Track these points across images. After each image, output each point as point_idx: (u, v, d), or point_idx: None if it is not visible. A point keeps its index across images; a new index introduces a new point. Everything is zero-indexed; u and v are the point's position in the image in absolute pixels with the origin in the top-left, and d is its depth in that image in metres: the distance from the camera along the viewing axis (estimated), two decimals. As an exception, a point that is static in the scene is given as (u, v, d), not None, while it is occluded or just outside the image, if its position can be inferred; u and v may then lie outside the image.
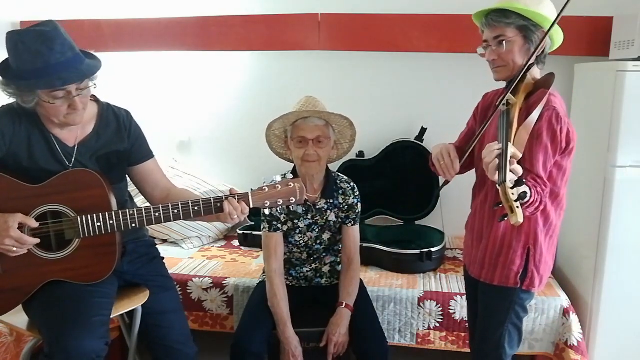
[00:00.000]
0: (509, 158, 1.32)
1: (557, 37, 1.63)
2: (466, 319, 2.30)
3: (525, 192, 1.31)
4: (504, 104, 1.54)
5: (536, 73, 1.64)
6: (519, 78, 1.57)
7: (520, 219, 1.27)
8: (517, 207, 1.27)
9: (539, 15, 1.55)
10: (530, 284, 1.66)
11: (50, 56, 1.53)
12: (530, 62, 1.59)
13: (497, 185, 1.30)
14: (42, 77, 1.54)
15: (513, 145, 1.40)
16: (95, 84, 1.67)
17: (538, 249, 1.64)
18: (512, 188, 1.28)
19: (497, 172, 1.32)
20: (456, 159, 1.64)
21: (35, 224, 1.61)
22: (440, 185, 1.75)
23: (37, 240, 1.61)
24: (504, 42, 1.58)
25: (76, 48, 1.62)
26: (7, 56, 1.62)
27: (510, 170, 1.32)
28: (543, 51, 1.62)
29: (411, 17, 2.82)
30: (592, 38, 2.66)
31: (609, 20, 2.58)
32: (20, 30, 1.59)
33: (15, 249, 1.57)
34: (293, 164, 2.17)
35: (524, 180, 1.33)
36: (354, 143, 2.19)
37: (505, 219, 1.30)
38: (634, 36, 2.30)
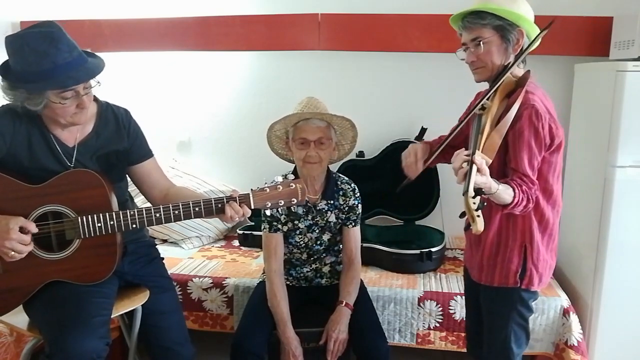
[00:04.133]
0: (474, 169, 1.34)
1: (533, 34, 1.62)
2: (465, 318, 2.31)
3: (483, 202, 1.34)
4: (479, 108, 1.56)
5: (518, 72, 1.65)
6: (499, 82, 1.58)
7: (481, 228, 1.33)
8: (478, 215, 1.32)
9: (514, 13, 1.56)
10: (529, 283, 1.67)
11: (58, 56, 1.53)
12: (510, 63, 1.60)
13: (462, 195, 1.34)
14: (51, 77, 1.54)
15: (483, 151, 1.42)
16: (99, 82, 1.67)
17: (535, 246, 1.65)
18: (473, 197, 1.31)
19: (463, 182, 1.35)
20: (421, 160, 1.71)
21: (35, 230, 1.60)
22: (402, 184, 1.78)
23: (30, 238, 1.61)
24: (481, 43, 1.60)
25: (78, 47, 1.62)
26: (6, 58, 1.61)
27: (479, 170, 1.34)
28: (521, 49, 1.62)
29: (411, 17, 2.82)
30: (592, 38, 2.66)
31: (609, 20, 2.58)
32: (21, 32, 1.58)
33: (12, 252, 1.56)
34: (293, 165, 2.17)
35: (483, 191, 1.36)
36: (355, 144, 2.19)
37: (470, 227, 1.34)
38: (634, 36, 2.30)
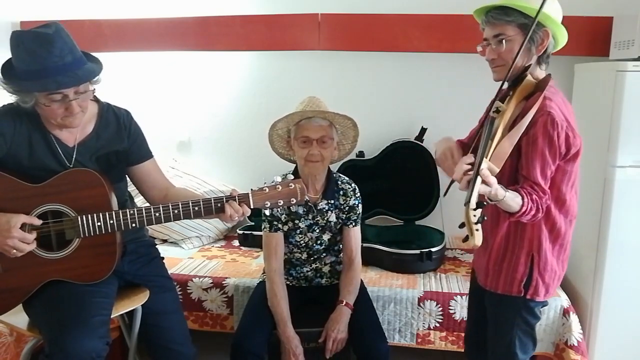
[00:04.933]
0: (479, 180, 1.30)
1: (561, 36, 1.57)
2: (466, 319, 2.30)
3: (483, 216, 1.29)
4: (494, 111, 1.50)
5: (539, 74, 1.60)
6: (503, 84, 1.53)
7: (478, 242, 1.28)
8: (477, 229, 1.27)
9: (542, 12, 1.47)
10: (535, 293, 1.62)
11: (47, 59, 1.53)
12: (531, 65, 1.56)
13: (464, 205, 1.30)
14: (37, 79, 1.54)
15: (491, 159, 1.37)
16: (94, 88, 1.67)
17: (542, 256, 1.60)
18: (474, 209, 1.27)
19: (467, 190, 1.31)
20: (460, 159, 1.56)
21: (38, 222, 1.61)
22: (448, 186, 1.70)
23: (34, 236, 1.61)
24: (504, 40, 1.53)
25: (77, 52, 1.61)
26: (8, 57, 1.62)
27: (483, 182, 1.30)
28: (545, 51, 1.56)
29: (411, 17, 2.82)
30: (592, 38, 2.66)
31: (609, 20, 2.59)
32: (24, 30, 1.59)
33: (14, 251, 1.57)
34: (294, 165, 2.17)
35: (484, 203, 1.31)
36: (356, 144, 2.19)
37: (468, 241, 1.31)
38: (634, 36, 2.30)
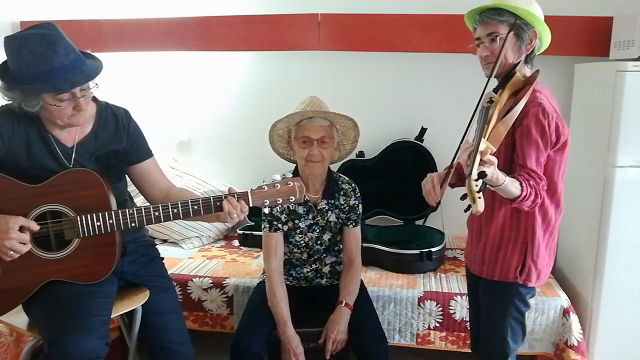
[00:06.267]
0: (478, 153, 1.36)
1: (545, 37, 1.67)
2: (466, 319, 2.31)
3: (485, 184, 1.37)
4: (487, 102, 1.59)
5: (526, 72, 1.68)
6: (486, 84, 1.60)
7: (481, 209, 1.35)
8: (479, 197, 1.34)
9: (531, 14, 1.60)
10: (527, 279, 1.69)
11: (55, 59, 1.53)
12: (520, 61, 1.65)
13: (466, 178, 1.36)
14: (47, 80, 1.53)
15: (488, 140, 1.44)
16: (97, 84, 1.67)
17: (536, 243, 1.67)
18: (476, 180, 1.33)
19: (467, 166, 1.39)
20: (438, 184, 1.63)
21: (36, 227, 1.60)
22: (426, 212, 1.78)
23: (29, 237, 1.61)
24: (497, 38, 1.62)
25: (77, 49, 1.61)
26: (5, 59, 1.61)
27: (482, 160, 1.36)
28: (532, 50, 1.66)
29: (411, 17, 2.82)
30: (592, 38, 2.66)
31: (609, 20, 2.58)
32: (20, 33, 1.57)
33: (11, 252, 1.56)
34: (294, 165, 2.17)
35: (486, 172, 1.36)
36: (357, 144, 2.20)
37: (470, 209, 1.37)
38: (634, 36, 2.30)
